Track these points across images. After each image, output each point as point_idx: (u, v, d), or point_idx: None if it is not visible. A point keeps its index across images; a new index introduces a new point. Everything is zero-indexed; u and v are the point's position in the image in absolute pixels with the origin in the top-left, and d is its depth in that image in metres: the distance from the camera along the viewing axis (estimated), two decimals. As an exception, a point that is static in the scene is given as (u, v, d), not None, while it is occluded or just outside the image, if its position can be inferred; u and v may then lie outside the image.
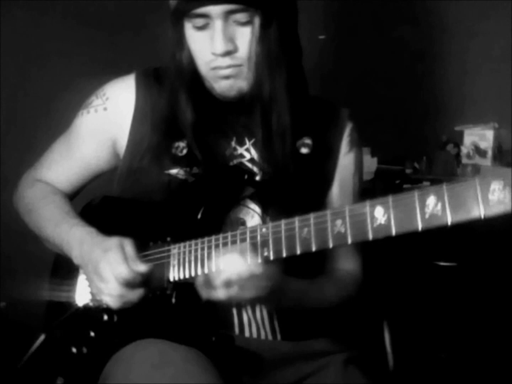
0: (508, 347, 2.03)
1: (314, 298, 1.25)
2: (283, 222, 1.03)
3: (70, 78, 2.16)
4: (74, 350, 1.22)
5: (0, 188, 1.93)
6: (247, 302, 1.19)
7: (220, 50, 1.17)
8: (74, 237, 1.23)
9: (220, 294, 1.05)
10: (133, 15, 2.48)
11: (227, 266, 1.05)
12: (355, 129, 1.36)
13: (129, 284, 1.12)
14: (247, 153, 1.28)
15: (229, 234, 1.10)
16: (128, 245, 1.15)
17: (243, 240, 1.07)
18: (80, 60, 2.33)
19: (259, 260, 1.04)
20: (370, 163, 2.51)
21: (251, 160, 1.27)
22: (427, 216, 0.87)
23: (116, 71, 1.38)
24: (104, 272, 1.13)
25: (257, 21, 1.18)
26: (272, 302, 1.17)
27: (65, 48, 2.35)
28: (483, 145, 2.51)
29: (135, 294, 1.14)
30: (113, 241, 1.16)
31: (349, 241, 0.94)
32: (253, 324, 1.22)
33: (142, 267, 1.13)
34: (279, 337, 1.24)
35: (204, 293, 1.08)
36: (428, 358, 2.16)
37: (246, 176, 1.21)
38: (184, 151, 1.26)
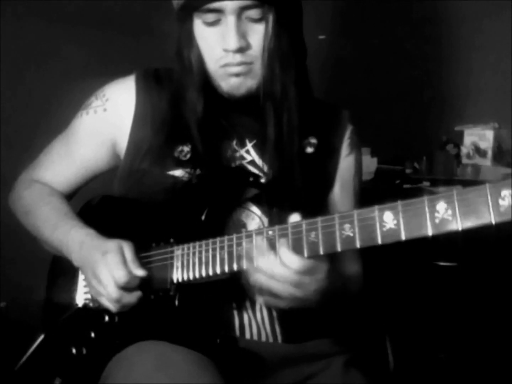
0: (508, 347, 2.03)
1: (341, 290, 1.23)
2: (289, 225, 1.02)
3: (70, 78, 2.16)
4: (73, 350, 1.22)
5: (0, 188, 1.92)
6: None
7: (233, 46, 1.16)
8: (73, 239, 1.22)
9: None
10: (134, 15, 2.48)
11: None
12: (355, 132, 1.36)
13: (127, 288, 1.12)
14: (247, 155, 1.28)
15: (234, 236, 1.09)
16: (127, 247, 1.15)
17: (249, 242, 1.07)
18: (80, 61, 2.33)
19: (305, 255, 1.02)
20: (370, 163, 2.52)
21: (252, 162, 1.27)
22: (437, 221, 0.87)
23: (116, 72, 1.37)
24: (102, 275, 1.13)
25: (270, 19, 1.17)
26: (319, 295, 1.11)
27: (65, 48, 2.34)
28: (483, 145, 2.51)
29: (133, 298, 1.14)
30: (112, 244, 1.16)
31: (358, 245, 0.94)
32: (253, 325, 1.22)
33: (139, 271, 1.13)
34: (279, 338, 1.23)
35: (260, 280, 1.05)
36: (427, 358, 2.17)
37: (251, 178, 1.21)
38: (188, 156, 1.25)
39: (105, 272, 1.12)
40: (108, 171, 1.40)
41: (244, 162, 1.27)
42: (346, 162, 1.34)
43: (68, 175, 1.39)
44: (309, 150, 1.29)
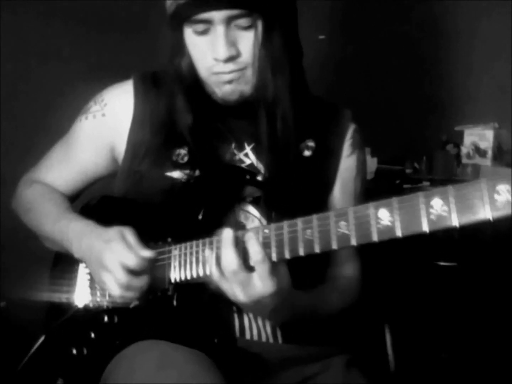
0: (508, 347, 2.03)
1: (319, 309, 1.24)
2: (285, 224, 1.02)
3: (69, 81, 2.16)
4: (74, 351, 1.22)
5: (0, 189, 1.92)
6: (258, 314, 1.17)
7: (222, 55, 1.16)
8: (74, 231, 1.23)
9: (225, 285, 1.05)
10: (134, 17, 2.47)
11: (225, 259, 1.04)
12: (357, 131, 1.35)
13: (134, 272, 1.12)
14: (246, 158, 1.28)
15: None
16: (129, 233, 1.15)
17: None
18: (80, 64, 2.33)
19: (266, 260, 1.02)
20: (370, 163, 2.51)
21: (251, 166, 1.27)
22: (433, 218, 0.86)
23: (116, 74, 1.37)
24: (108, 262, 1.12)
25: (259, 25, 1.17)
26: (280, 315, 1.15)
27: (65, 52, 2.34)
28: (483, 145, 2.51)
29: (140, 282, 1.13)
30: (114, 231, 1.16)
31: (354, 242, 0.93)
32: (254, 327, 1.22)
33: (146, 252, 1.13)
34: (280, 339, 1.24)
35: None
36: (428, 358, 2.16)
37: (247, 176, 1.21)
38: (186, 158, 1.25)
39: (111, 258, 1.12)
40: (109, 175, 1.41)
41: (243, 165, 1.27)
42: (347, 162, 1.33)
43: (68, 179, 1.40)
44: (307, 153, 1.28)
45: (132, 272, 1.12)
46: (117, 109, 1.33)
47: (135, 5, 2.46)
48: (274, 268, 1.02)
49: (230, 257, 1.02)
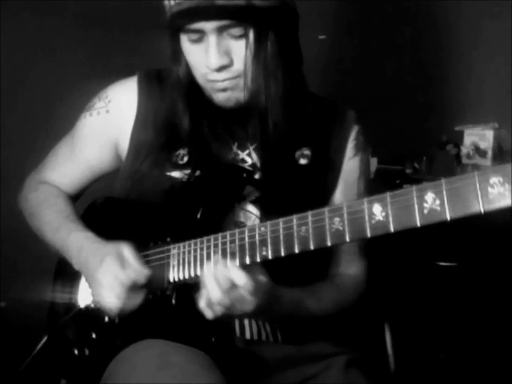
0: (508, 347, 2.03)
1: (312, 306, 1.23)
2: (281, 221, 1.02)
3: (72, 79, 2.16)
4: (76, 351, 1.23)
5: (0, 189, 1.93)
6: (241, 317, 1.19)
7: (214, 65, 1.16)
8: (72, 244, 1.24)
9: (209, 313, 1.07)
10: (136, 15, 2.47)
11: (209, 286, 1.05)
12: (361, 132, 1.34)
13: (130, 289, 1.12)
14: (249, 158, 1.28)
15: (227, 233, 1.09)
16: (126, 250, 1.15)
17: (241, 239, 1.07)
18: (83, 62, 2.33)
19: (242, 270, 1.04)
20: (370, 163, 2.51)
21: (253, 165, 1.27)
22: (426, 212, 0.86)
23: (119, 72, 1.38)
24: (104, 280, 1.13)
25: (251, 34, 1.16)
26: (265, 314, 1.16)
27: (67, 49, 2.34)
28: (483, 145, 2.50)
29: (137, 299, 1.14)
30: (110, 249, 1.16)
31: (347, 238, 0.94)
32: (254, 326, 1.22)
33: (142, 271, 1.13)
34: (280, 339, 1.24)
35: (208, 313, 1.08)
36: (427, 358, 2.16)
37: (244, 175, 1.21)
38: (185, 159, 1.26)
39: (106, 276, 1.13)
40: (112, 172, 1.41)
41: (246, 165, 1.27)
42: (350, 164, 1.32)
43: (73, 176, 1.41)
44: (303, 162, 1.27)
45: (128, 289, 1.12)
46: (121, 105, 1.34)
47: (136, 5, 2.46)
48: (252, 274, 1.04)
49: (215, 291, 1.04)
